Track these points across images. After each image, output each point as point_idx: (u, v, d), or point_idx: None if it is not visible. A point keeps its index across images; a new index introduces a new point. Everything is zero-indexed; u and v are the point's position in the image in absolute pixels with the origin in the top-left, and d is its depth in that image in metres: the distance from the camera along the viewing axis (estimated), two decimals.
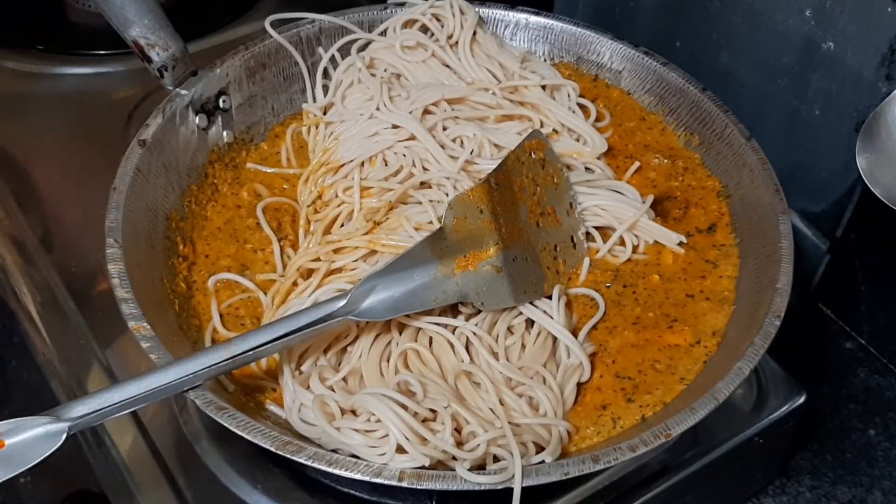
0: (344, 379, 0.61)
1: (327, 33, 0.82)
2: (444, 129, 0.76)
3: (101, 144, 0.89)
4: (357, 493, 0.62)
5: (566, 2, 1.00)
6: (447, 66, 0.81)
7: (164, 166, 0.70)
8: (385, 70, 0.81)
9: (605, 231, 0.72)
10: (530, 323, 0.64)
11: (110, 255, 0.61)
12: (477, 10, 0.83)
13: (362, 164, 0.74)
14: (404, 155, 0.74)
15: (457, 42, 0.81)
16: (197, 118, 0.74)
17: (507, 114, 0.78)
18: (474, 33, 0.82)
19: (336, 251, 0.68)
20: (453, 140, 0.75)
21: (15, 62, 0.99)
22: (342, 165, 0.75)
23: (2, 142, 0.91)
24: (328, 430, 0.56)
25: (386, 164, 0.74)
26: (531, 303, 0.65)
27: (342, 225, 0.71)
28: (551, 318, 0.64)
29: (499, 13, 0.85)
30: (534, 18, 0.85)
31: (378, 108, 0.76)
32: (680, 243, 0.72)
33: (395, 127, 0.75)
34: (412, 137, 0.74)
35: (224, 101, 0.76)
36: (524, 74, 0.80)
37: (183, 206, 0.72)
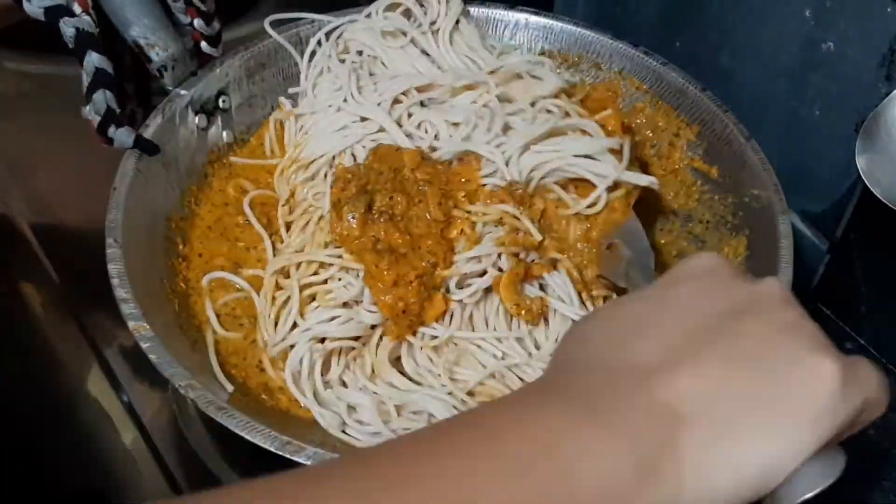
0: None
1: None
2: (409, 115, 0.73)
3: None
4: None
5: (566, 2, 1.00)
6: (425, 54, 0.79)
7: (164, 166, 0.70)
8: (360, 53, 0.79)
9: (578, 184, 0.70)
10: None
11: (110, 255, 0.61)
12: (475, 8, 0.83)
13: (333, 158, 0.73)
14: None
15: (438, 29, 0.80)
16: (197, 118, 0.74)
17: (467, 84, 0.75)
18: (457, 22, 0.80)
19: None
20: (418, 126, 0.72)
21: (15, 62, 0.99)
22: (312, 162, 0.73)
23: (2, 142, 0.91)
24: (385, 434, 0.58)
25: (355, 160, 0.72)
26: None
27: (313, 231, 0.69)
28: (563, 302, 0.66)
29: (499, 13, 0.85)
30: (534, 18, 0.85)
31: (345, 100, 0.74)
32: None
33: (363, 119, 0.73)
34: (381, 130, 0.72)
35: (224, 102, 0.76)
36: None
37: (183, 207, 0.72)
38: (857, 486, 0.76)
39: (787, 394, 0.37)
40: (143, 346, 0.57)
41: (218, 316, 0.66)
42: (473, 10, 0.84)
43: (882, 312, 0.83)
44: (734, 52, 0.83)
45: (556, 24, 0.84)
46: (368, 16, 0.81)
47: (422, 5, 0.80)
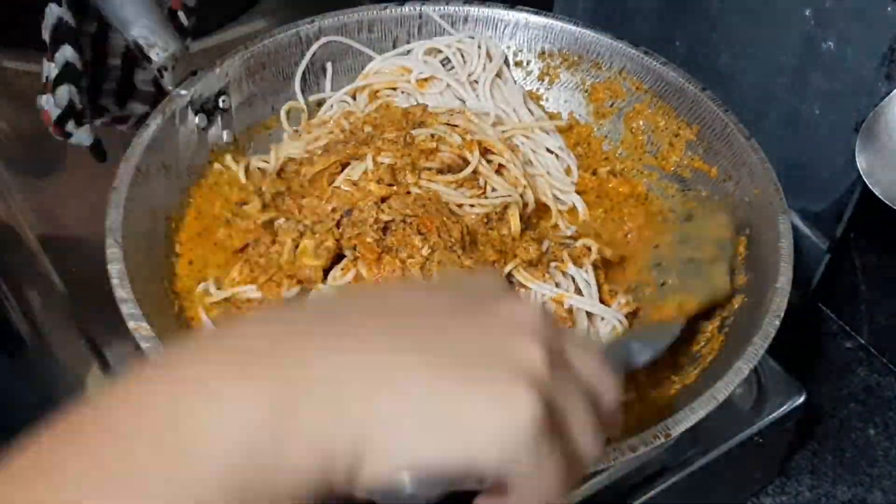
0: None
1: (327, 33, 0.82)
2: None
3: None
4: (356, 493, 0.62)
5: (566, 2, 1.00)
6: (461, 101, 0.81)
7: (164, 166, 0.70)
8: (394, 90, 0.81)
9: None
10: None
11: (110, 255, 0.61)
12: (475, 8, 0.83)
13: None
14: None
15: (476, 81, 0.82)
16: (196, 118, 0.74)
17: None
18: (498, 75, 0.82)
19: None
20: None
21: (15, 62, 0.99)
22: None
23: (1, 141, 0.91)
24: None
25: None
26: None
27: None
28: (581, 295, 0.67)
29: (499, 13, 0.85)
30: (533, 18, 0.85)
31: None
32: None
33: None
34: None
35: (224, 101, 0.76)
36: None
37: (183, 207, 0.72)
38: (858, 486, 0.76)
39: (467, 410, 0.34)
40: (143, 346, 0.57)
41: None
42: (473, 9, 0.84)
43: (882, 312, 0.83)
44: (734, 52, 0.83)
45: (556, 24, 0.84)
46: (408, 52, 0.83)
47: (462, 56, 0.82)
